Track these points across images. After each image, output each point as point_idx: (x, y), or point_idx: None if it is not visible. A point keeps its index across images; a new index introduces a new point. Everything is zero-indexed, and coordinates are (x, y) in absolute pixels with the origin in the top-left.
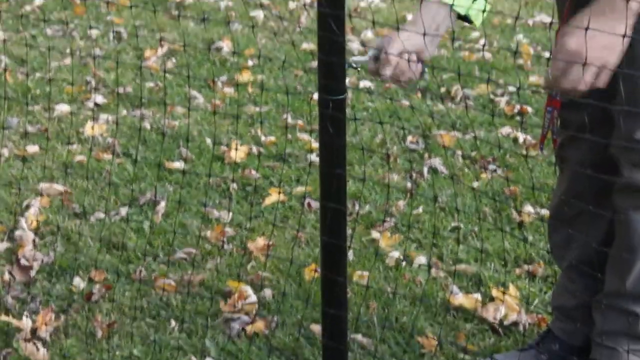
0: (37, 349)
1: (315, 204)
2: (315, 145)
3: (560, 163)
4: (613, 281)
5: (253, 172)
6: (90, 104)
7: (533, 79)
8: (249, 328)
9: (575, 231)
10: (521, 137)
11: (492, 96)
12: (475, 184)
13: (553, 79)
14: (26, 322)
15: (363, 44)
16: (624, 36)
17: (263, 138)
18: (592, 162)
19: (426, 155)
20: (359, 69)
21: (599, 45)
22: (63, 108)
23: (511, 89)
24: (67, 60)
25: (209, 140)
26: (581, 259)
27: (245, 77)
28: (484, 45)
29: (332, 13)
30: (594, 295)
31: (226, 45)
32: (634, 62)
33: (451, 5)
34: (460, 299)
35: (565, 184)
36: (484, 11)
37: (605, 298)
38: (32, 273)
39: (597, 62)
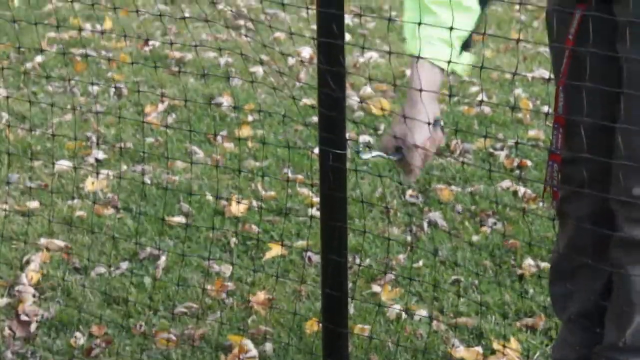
0: None
1: (316, 258)
2: (316, 199)
3: (560, 218)
4: (612, 334)
5: (253, 226)
6: (91, 160)
7: (532, 132)
8: None
9: (576, 284)
10: (521, 190)
11: (491, 150)
12: (475, 238)
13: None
14: None
15: (362, 98)
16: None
17: (263, 192)
18: (593, 216)
19: (426, 209)
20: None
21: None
22: (64, 164)
23: (510, 142)
24: (68, 116)
25: (209, 195)
26: (581, 312)
27: (245, 131)
28: (481, 101)
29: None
30: (594, 348)
31: (226, 101)
32: (630, 115)
33: (451, 64)
34: (461, 352)
35: (566, 238)
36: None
37: (604, 351)
38: (32, 328)
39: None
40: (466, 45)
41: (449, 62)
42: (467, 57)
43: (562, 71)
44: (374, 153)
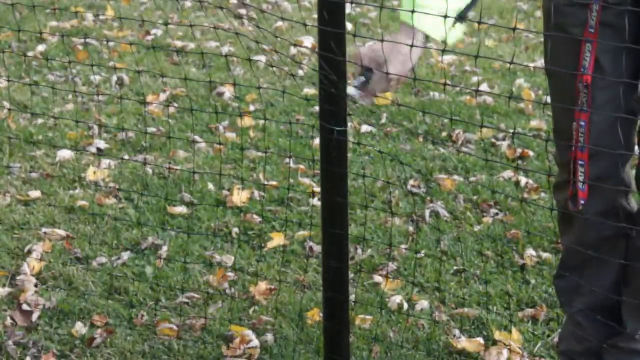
0: None
1: (317, 248)
2: (317, 189)
3: (566, 218)
4: (631, 325)
5: (255, 216)
6: (93, 149)
7: (534, 122)
8: None
9: (584, 278)
10: (523, 180)
11: (493, 140)
12: (477, 228)
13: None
14: None
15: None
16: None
17: (265, 182)
18: (605, 213)
19: (428, 199)
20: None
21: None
22: (65, 153)
23: (512, 131)
24: (70, 106)
25: (210, 185)
26: (590, 306)
27: (247, 121)
28: (477, 90)
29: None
30: (603, 341)
31: (228, 91)
32: None
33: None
34: (463, 342)
35: (574, 233)
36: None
37: (622, 341)
38: (34, 318)
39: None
40: (461, 17)
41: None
42: (460, 29)
43: (588, 66)
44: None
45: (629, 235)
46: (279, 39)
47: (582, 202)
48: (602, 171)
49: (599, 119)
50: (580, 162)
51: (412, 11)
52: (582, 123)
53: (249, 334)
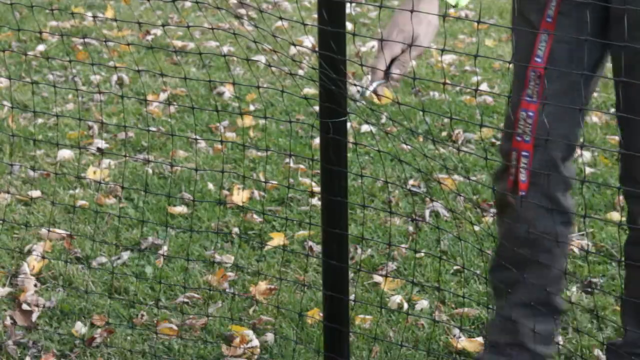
0: None
1: (318, 248)
2: (317, 189)
3: (505, 207)
4: (633, 331)
5: (255, 216)
6: (93, 149)
7: None
8: None
9: (519, 272)
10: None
11: (493, 140)
12: (477, 228)
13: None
14: None
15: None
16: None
17: (265, 182)
18: (543, 206)
19: (428, 199)
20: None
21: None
22: (65, 153)
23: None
24: (70, 106)
25: (210, 185)
26: (524, 300)
27: (247, 121)
28: (476, 89)
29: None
30: (533, 335)
31: (228, 90)
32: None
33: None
34: (463, 342)
35: (508, 227)
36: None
37: (627, 347)
38: (34, 318)
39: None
40: None
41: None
42: None
43: (543, 55)
44: (373, 85)
45: (563, 232)
46: (279, 39)
47: (522, 193)
48: (543, 164)
49: (547, 111)
50: (524, 153)
51: None
52: (531, 113)
53: (249, 334)
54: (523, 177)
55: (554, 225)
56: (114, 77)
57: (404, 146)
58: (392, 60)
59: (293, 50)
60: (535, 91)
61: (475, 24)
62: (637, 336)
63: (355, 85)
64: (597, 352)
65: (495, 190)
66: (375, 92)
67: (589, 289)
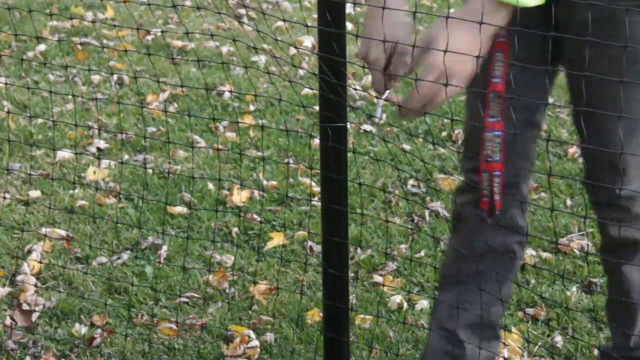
0: None
1: (317, 248)
2: (317, 189)
3: (457, 223)
4: (619, 336)
5: (255, 216)
6: (93, 149)
7: None
8: None
9: (468, 292)
10: None
11: None
12: None
13: (422, 100)
14: None
15: (364, 88)
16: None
17: (265, 182)
18: (501, 222)
19: (427, 198)
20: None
21: (460, 60)
22: (65, 153)
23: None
24: (69, 106)
25: (210, 185)
26: (472, 322)
27: (246, 121)
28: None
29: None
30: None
31: (227, 90)
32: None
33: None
34: None
35: (460, 243)
36: None
37: (614, 351)
38: (34, 318)
39: (459, 77)
40: None
41: None
42: None
43: (501, 75)
44: (379, 105)
45: (515, 251)
46: (279, 40)
47: (497, 212)
48: (505, 181)
49: (507, 130)
50: (496, 172)
51: None
52: (497, 133)
53: (249, 334)
54: (497, 196)
55: (509, 243)
56: (114, 77)
57: (404, 146)
58: (387, 67)
59: (293, 50)
60: (497, 110)
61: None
62: (622, 341)
63: (370, 116)
64: (597, 352)
65: (454, 205)
66: (388, 99)
67: (589, 289)
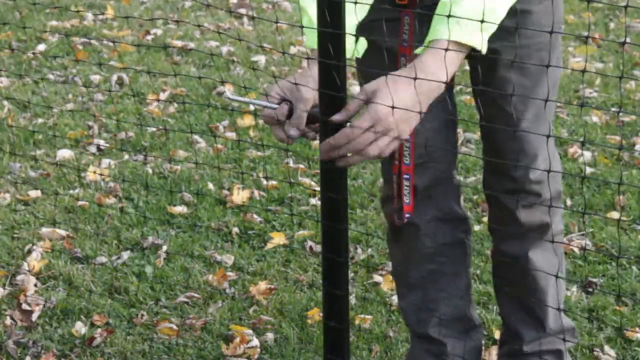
0: None
1: (317, 248)
2: (317, 189)
3: (395, 231)
4: (530, 329)
5: (255, 216)
6: (93, 149)
7: None
8: None
9: (430, 292)
10: None
11: None
12: (477, 228)
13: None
14: None
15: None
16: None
17: (265, 182)
18: (438, 219)
19: None
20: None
21: (403, 117)
22: (65, 153)
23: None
24: (70, 106)
25: (210, 185)
26: (443, 320)
27: (246, 121)
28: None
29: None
30: (461, 353)
31: (228, 90)
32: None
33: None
34: None
35: (408, 248)
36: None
37: (527, 345)
38: (34, 317)
39: (396, 133)
40: None
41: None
42: (364, 42)
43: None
44: (247, 100)
45: (464, 241)
46: (279, 38)
47: (407, 215)
48: (432, 178)
49: (425, 127)
50: (405, 176)
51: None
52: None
53: (249, 333)
54: (407, 199)
55: (456, 234)
56: (114, 77)
57: None
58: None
59: (293, 49)
60: None
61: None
62: (535, 334)
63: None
64: (597, 352)
65: (385, 215)
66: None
67: (589, 289)
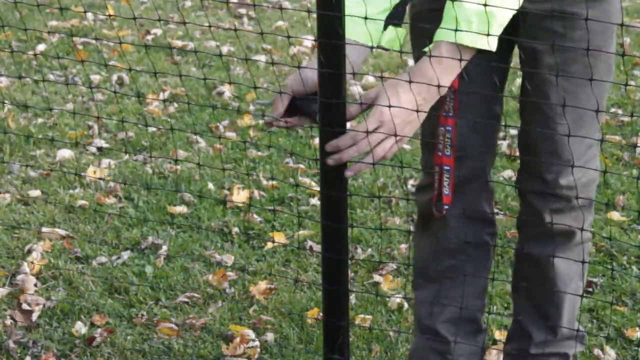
0: None
1: (317, 247)
2: (317, 189)
3: (424, 221)
4: (541, 332)
5: (255, 216)
6: (93, 149)
7: None
8: None
9: (446, 287)
10: None
11: None
12: None
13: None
14: None
15: (364, 88)
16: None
17: (265, 182)
18: (471, 216)
19: None
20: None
21: (406, 119)
22: (65, 153)
23: (512, 132)
24: (70, 105)
25: (210, 184)
26: (454, 317)
27: (246, 121)
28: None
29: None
30: (466, 354)
31: (227, 90)
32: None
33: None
34: None
35: (430, 239)
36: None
37: (534, 348)
38: (34, 317)
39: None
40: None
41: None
42: (391, 31)
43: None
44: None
45: (489, 243)
46: (278, 38)
47: (445, 207)
48: (467, 174)
49: (465, 123)
50: (446, 167)
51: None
52: (449, 128)
53: (249, 333)
54: (447, 190)
55: (481, 235)
56: (114, 77)
57: (405, 146)
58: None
59: (293, 49)
60: (451, 106)
61: None
62: (545, 336)
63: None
64: (597, 352)
65: (418, 203)
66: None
67: (589, 289)
